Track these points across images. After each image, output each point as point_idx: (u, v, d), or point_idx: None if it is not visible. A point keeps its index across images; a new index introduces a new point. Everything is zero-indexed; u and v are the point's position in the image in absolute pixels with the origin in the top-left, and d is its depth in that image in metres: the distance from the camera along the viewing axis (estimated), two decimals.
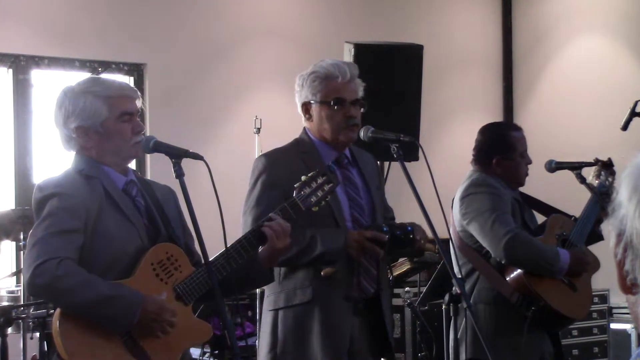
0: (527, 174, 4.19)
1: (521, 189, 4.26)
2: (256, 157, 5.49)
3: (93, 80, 3.03)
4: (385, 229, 3.37)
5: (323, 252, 3.32)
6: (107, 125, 2.90)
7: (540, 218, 4.32)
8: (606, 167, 4.31)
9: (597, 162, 4.32)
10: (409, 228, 3.42)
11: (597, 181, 4.28)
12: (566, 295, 4.03)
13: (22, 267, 2.90)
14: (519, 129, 4.25)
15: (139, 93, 3.02)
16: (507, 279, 3.98)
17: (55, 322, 2.76)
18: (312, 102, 3.48)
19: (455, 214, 4.11)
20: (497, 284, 3.99)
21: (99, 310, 2.73)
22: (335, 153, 3.50)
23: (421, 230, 3.45)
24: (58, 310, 2.77)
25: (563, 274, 3.99)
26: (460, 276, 4.08)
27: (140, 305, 2.75)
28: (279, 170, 3.38)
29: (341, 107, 3.44)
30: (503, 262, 3.95)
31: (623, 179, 1.33)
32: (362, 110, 3.51)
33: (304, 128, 3.56)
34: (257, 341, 5.39)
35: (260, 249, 3.00)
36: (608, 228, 1.36)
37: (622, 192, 1.32)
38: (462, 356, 3.99)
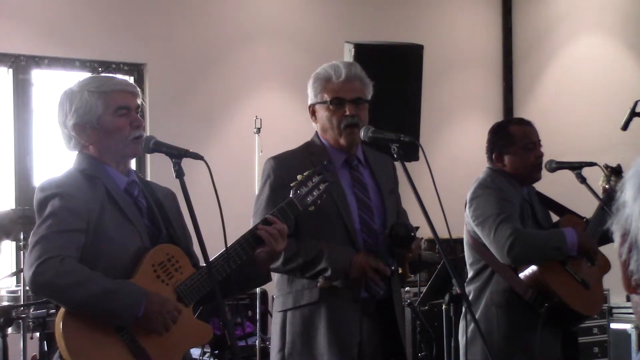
0: (537, 167, 4.14)
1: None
2: (256, 157, 5.53)
3: (91, 78, 3.04)
4: (391, 262, 3.38)
5: (326, 268, 3.32)
6: (103, 121, 2.89)
7: (554, 218, 4.32)
8: (616, 173, 4.30)
9: (606, 167, 4.32)
10: (410, 229, 3.42)
11: (606, 186, 4.27)
12: (579, 292, 4.03)
13: (23, 266, 2.89)
14: (521, 122, 4.22)
15: (138, 89, 3.01)
16: (521, 275, 3.98)
17: (59, 323, 2.75)
18: (315, 103, 3.50)
19: (466, 213, 4.12)
20: (511, 280, 3.99)
21: (103, 304, 2.72)
22: (344, 154, 3.49)
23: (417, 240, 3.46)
24: (61, 311, 2.76)
25: (575, 251, 3.98)
26: (469, 275, 4.10)
27: (144, 298, 2.75)
28: (287, 172, 3.36)
29: (338, 107, 3.43)
30: (512, 266, 3.97)
31: (628, 178, 1.31)
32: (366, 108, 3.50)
33: (316, 131, 3.56)
34: (257, 341, 5.40)
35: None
36: (612, 228, 1.35)
37: (627, 192, 1.30)
38: (477, 357, 3.98)
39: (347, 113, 3.43)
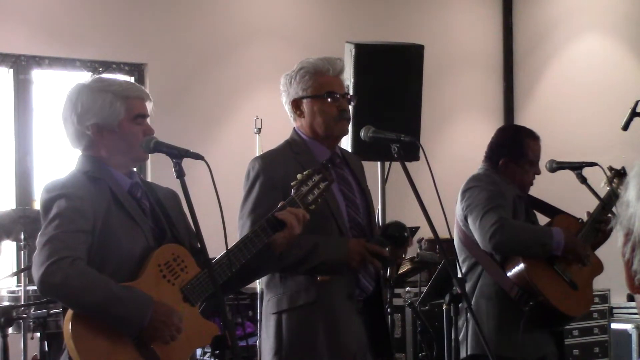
0: (531, 184, 4.19)
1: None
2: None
3: (109, 79, 3.01)
4: (385, 243, 3.37)
5: (324, 261, 3.31)
6: (122, 126, 2.89)
7: (544, 220, 4.31)
8: (619, 175, 4.31)
9: (610, 169, 4.33)
10: (405, 230, 3.42)
11: (608, 188, 4.28)
12: (566, 292, 4.04)
13: (27, 266, 2.88)
14: (536, 137, 4.24)
15: (150, 96, 3.01)
16: (508, 273, 3.98)
17: (68, 325, 2.74)
18: (303, 97, 3.46)
19: (457, 207, 4.12)
20: (498, 277, 4.00)
21: (111, 309, 2.72)
22: (327, 151, 3.48)
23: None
24: (69, 312, 2.75)
25: (561, 251, 3.98)
26: (461, 272, 4.10)
27: (151, 307, 2.74)
28: (276, 171, 3.35)
29: (333, 100, 3.43)
30: (494, 253, 3.97)
31: (631, 178, 1.31)
32: (351, 104, 3.51)
33: (294, 128, 3.53)
34: (257, 341, 5.39)
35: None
36: (615, 228, 1.34)
37: (630, 191, 1.30)
38: (463, 354, 3.99)
39: (343, 107, 3.44)
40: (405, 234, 3.40)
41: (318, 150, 3.46)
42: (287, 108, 3.52)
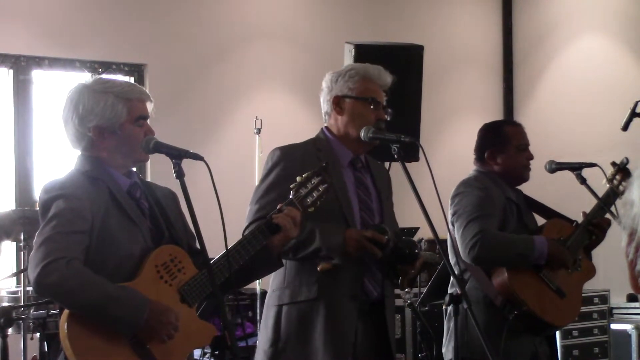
0: (528, 168, 4.15)
1: (525, 192, 4.24)
2: (256, 157, 5.53)
3: (110, 80, 3.00)
4: (385, 228, 3.36)
5: (320, 247, 3.31)
6: (125, 129, 2.89)
7: (541, 221, 4.30)
8: (621, 171, 4.28)
9: (613, 165, 4.31)
10: (415, 247, 3.42)
11: (609, 185, 4.25)
12: (551, 301, 3.98)
13: (27, 266, 2.88)
14: (515, 124, 4.24)
15: (151, 97, 3.01)
16: (493, 281, 3.95)
17: (63, 325, 2.73)
18: (346, 96, 3.48)
19: (449, 212, 4.11)
20: (484, 284, 3.97)
21: (107, 310, 2.71)
22: (350, 154, 3.49)
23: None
24: (65, 312, 2.75)
25: (544, 260, 3.96)
26: (456, 274, 4.08)
27: (147, 307, 2.74)
28: (293, 163, 3.36)
29: (375, 107, 3.46)
30: (477, 265, 3.95)
31: (636, 178, 1.30)
32: (388, 119, 3.53)
33: (322, 128, 3.55)
34: (257, 342, 5.39)
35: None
36: (617, 228, 1.34)
37: (634, 191, 1.29)
38: (449, 355, 3.97)
39: (382, 117, 3.48)
40: (416, 250, 3.41)
41: (340, 152, 3.48)
42: (326, 106, 3.53)
